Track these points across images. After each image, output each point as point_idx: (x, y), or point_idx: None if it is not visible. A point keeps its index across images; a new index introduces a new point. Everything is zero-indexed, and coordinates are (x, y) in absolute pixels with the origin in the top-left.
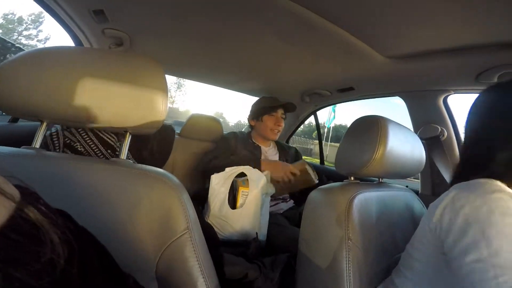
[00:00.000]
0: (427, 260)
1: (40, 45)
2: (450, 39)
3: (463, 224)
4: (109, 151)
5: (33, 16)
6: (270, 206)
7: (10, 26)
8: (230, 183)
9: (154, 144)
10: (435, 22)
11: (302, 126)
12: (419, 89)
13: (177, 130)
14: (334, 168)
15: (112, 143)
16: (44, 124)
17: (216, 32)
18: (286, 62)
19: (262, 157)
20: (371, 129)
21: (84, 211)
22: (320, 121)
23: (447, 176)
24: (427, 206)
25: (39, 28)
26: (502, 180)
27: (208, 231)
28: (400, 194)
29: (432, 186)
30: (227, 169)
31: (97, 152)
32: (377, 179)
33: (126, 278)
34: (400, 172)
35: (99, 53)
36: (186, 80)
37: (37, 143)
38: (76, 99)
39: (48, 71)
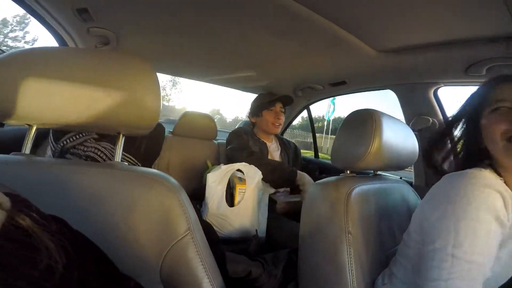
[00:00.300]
0: (414, 246)
1: (28, 47)
2: (440, 33)
3: (441, 214)
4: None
5: (18, 18)
6: None
7: None
8: (227, 181)
9: (142, 142)
10: (425, 16)
11: (301, 120)
12: (410, 82)
13: (170, 128)
14: (330, 161)
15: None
16: (34, 128)
17: (206, 29)
18: (277, 56)
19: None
20: (365, 122)
21: (80, 216)
22: (320, 114)
23: None
24: (421, 197)
25: (26, 29)
26: (497, 170)
27: (207, 230)
28: (395, 186)
29: (426, 177)
30: (223, 167)
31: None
32: (372, 171)
33: (126, 281)
34: (395, 164)
35: (86, 53)
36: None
37: (27, 148)
38: (65, 101)
39: (34, 73)
